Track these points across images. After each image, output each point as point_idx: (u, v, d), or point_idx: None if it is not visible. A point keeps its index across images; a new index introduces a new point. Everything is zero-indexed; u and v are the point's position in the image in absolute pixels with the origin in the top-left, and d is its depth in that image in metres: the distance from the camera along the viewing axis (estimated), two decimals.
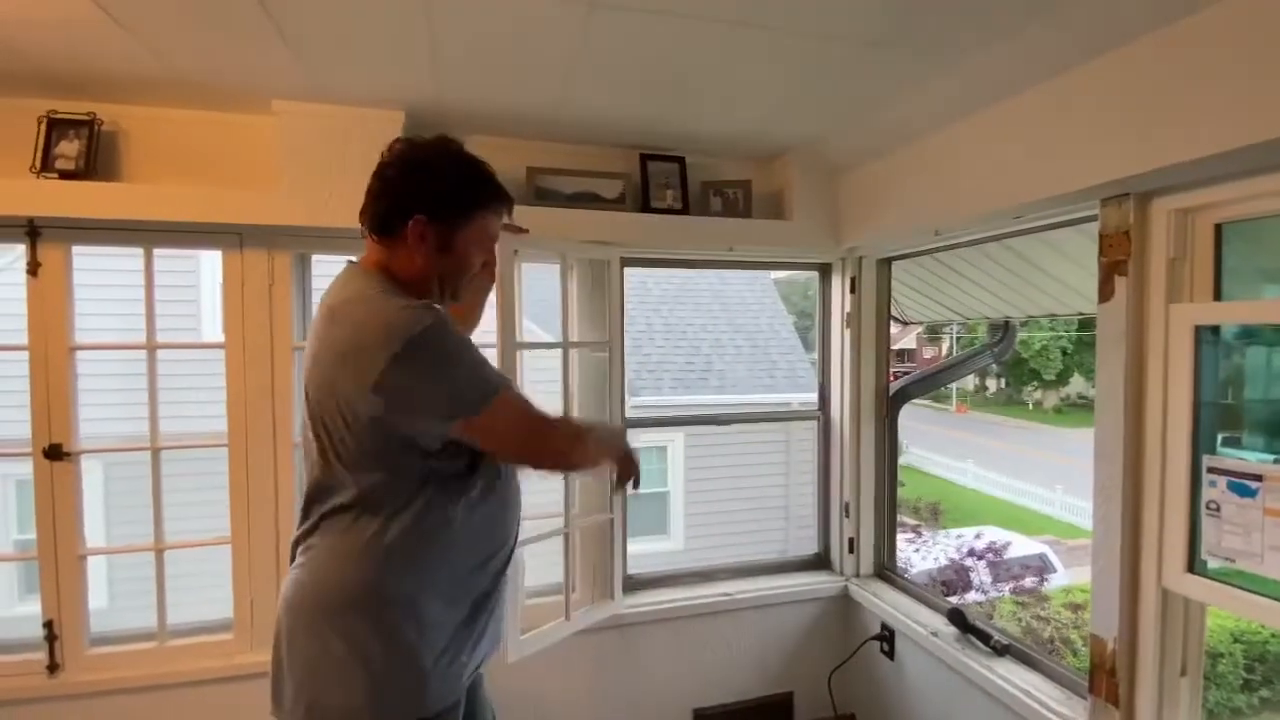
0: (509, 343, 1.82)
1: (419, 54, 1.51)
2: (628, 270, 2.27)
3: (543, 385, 2.28)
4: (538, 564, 2.18)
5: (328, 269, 2.39)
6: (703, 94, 1.74)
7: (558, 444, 1.16)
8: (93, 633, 1.89)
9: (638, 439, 6.31)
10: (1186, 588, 1.39)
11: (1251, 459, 1.32)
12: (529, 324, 4.56)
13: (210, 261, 5.01)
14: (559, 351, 2.05)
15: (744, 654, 2.38)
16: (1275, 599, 1.26)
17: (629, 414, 2.30)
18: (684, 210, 2.19)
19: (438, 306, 1.07)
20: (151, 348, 1.90)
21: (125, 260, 2.31)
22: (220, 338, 1.91)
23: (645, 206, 2.15)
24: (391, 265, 1.14)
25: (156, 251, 1.88)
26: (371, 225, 1.14)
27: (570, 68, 1.58)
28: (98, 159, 1.75)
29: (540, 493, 2.28)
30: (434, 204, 1.11)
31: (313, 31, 1.41)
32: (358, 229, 1.85)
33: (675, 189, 2.20)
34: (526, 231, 1.70)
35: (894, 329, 2.66)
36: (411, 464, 1.05)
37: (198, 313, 5.19)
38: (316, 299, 2.10)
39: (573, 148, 2.14)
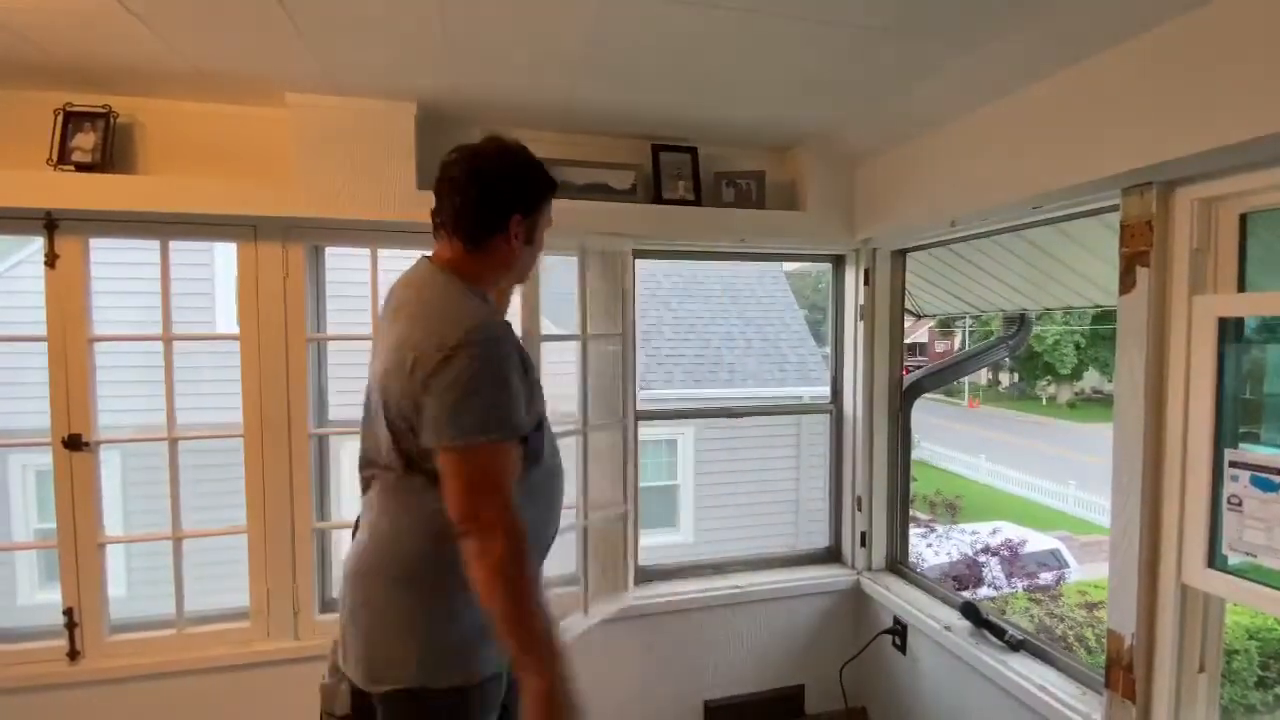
0: (534, 336, 1.82)
1: (431, 46, 1.51)
2: (638, 263, 2.27)
3: (557, 378, 2.28)
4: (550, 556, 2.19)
5: (341, 261, 2.42)
6: (715, 84, 1.73)
7: (502, 531, 1.02)
8: (112, 620, 1.93)
9: (647, 432, 6.34)
10: (1207, 583, 1.37)
11: (1276, 453, 1.30)
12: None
13: (225, 253, 5.05)
14: (573, 345, 2.05)
15: (755, 647, 2.38)
16: None
17: (639, 407, 2.30)
18: (696, 201, 2.17)
19: (499, 321, 1.13)
20: (168, 339, 1.92)
21: (142, 252, 2.34)
22: (235, 329, 1.92)
23: (657, 198, 2.14)
24: (469, 263, 1.18)
25: (172, 244, 1.90)
26: (466, 233, 1.16)
27: (582, 58, 1.57)
28: (114, 151, 1.76)
29: None
30: (524, 200, 1.18)
31: (326, 24, 1.41)
32: (370, 220, 1.88)
33: (687, 180, 2.18)
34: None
35: (907, 322, 2.64)
36: None
37: (212, 304, 5.24)
38: (330, 290, 2.14)
39: (584, 138, 2.13)
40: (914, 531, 7.51)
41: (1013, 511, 10.74)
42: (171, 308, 1.92)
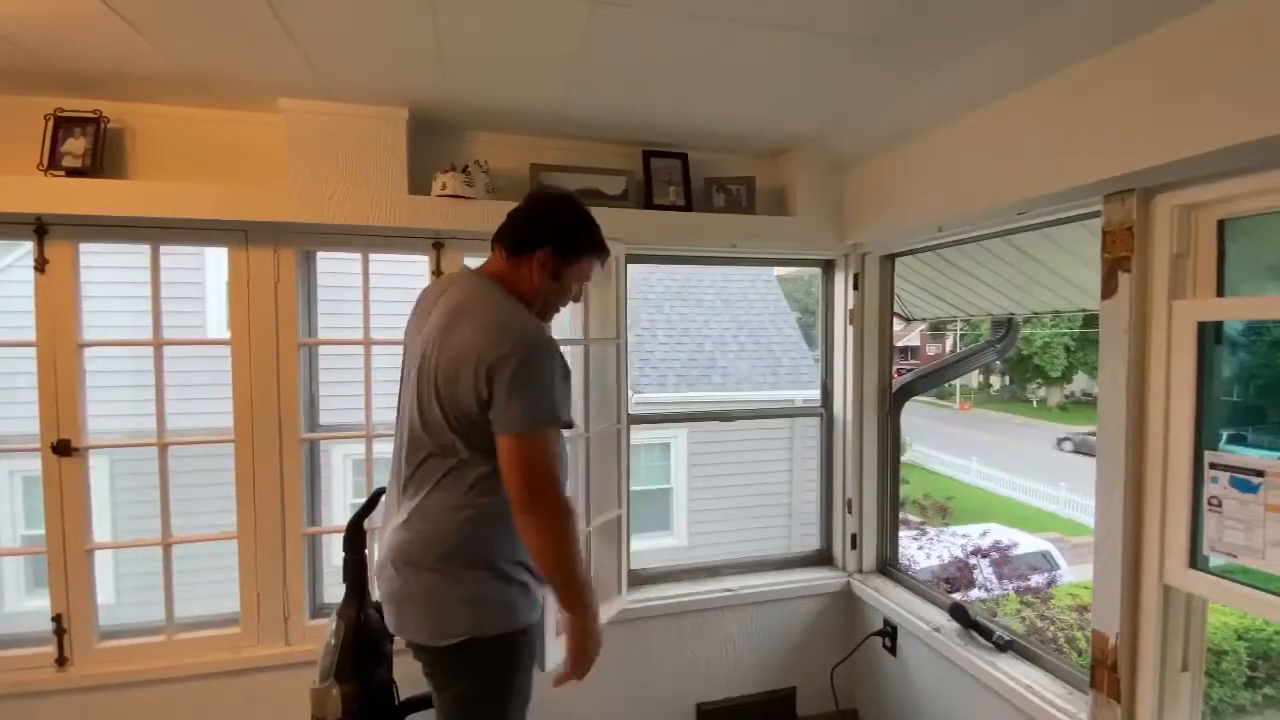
0: None
1: (424, 52, 1.52)
2: (630, 267, 2.28)
3: None
4: None
5: (333, 265, 2.42)
6: (706, 91, 1.75)
7: (557, 510, 1.25)
8: (101, 627, 1.92)
9: (641, 436, 6.34)
10: (1188, 583, 1.40)
11: (1254, 455, 1.32)
12: None
13: (216, 258, 5.03)
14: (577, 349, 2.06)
15: (747, 649, 2.39)
16: (1276, 594, 1.26)
17: (632, 410, 2.31)
18: (687, 207, 2.19)
19: (545, 326, 1.38)
20: (158, 344, 1.91)
21: (133, 256, 2.33)
22: (226, 334, 1.92)
23: (648, 203, 2.16)
24: (510, 277, 1.39)
25: (163, 249, 1.90)
26: (509, 243, 1.39)
27: (573, 65, 1.58)
28: (104, 156, 1.76)
29: None
30: (559, 241, 1.38)
31: (319, 30, 1.42)
32: (361, 225, 1.88)
33: (678, 185, 2.20)
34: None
35: (897, 326, 2.67)
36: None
37: (204, 309, 5.22)
38: (322, 295, 2.14)
39: (576, 144, 2.15)
40: (906, 534, 7.55)
41: (1004, 513, 10.80)
42: (162, 312, 1.92)
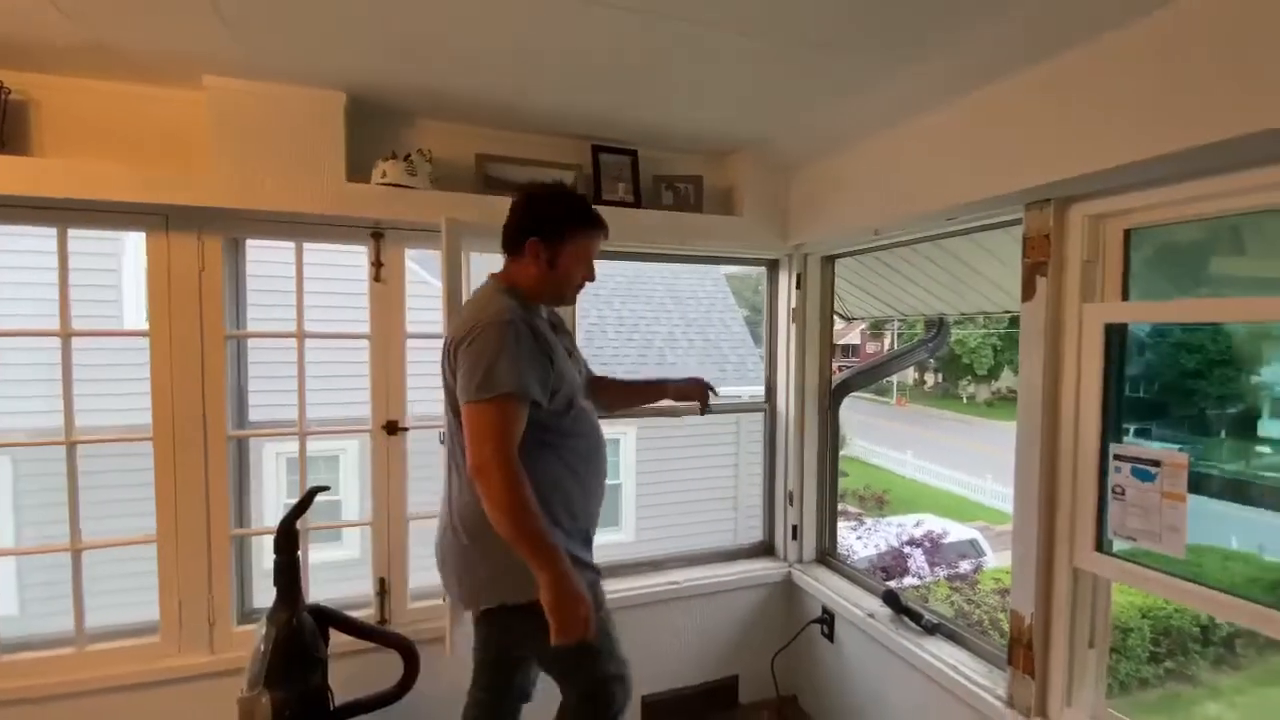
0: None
1: (363, 32, 1.46)
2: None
3: None
4: None
5: (265, 254, 2.31)
6: (654, 90, 1.75)
7: (496, 475, 1.29)
8: (2, 639, 1.78)
9: None
10: (1095, 566, 1.51)
11: (1153, 447, 1.44)
12: None
13: (136, 244, 4.71)
14: None
15: (691, 641, 2.43)
16: (1170, 574, 1.38)
17: None
18: (636, 203, 2.20)
19: (516, 305, 1.41)
20: (66, 335, 1.78)
21: (40, 240, 2.15)
22: (145, 325, 1.80)
23: (597, 198, 2.15)
24: (511, 275, 1.51)
25: (74, 232, 1.77)
26: (505, 245, 1.51)
27: (523, 57, 1.56)
28: (5, 131, 1.62)
29: None
30: (543, 228, 1.46)
31: (250, 4, 1.35)
32: (294, 213, 1.81)
33: (627, 182, 2.21)
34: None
35: (838, 325, 2.75)
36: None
37: (120, 298, 4.88)
38: (252, 285, 2.04)
39: (523, 136, 2.12)
40: (846, 525, 7.83)
41: (936, 504, 11.34)
42: (71, 301, 1.79)
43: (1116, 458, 1.45)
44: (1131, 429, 1.94)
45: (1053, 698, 1.58)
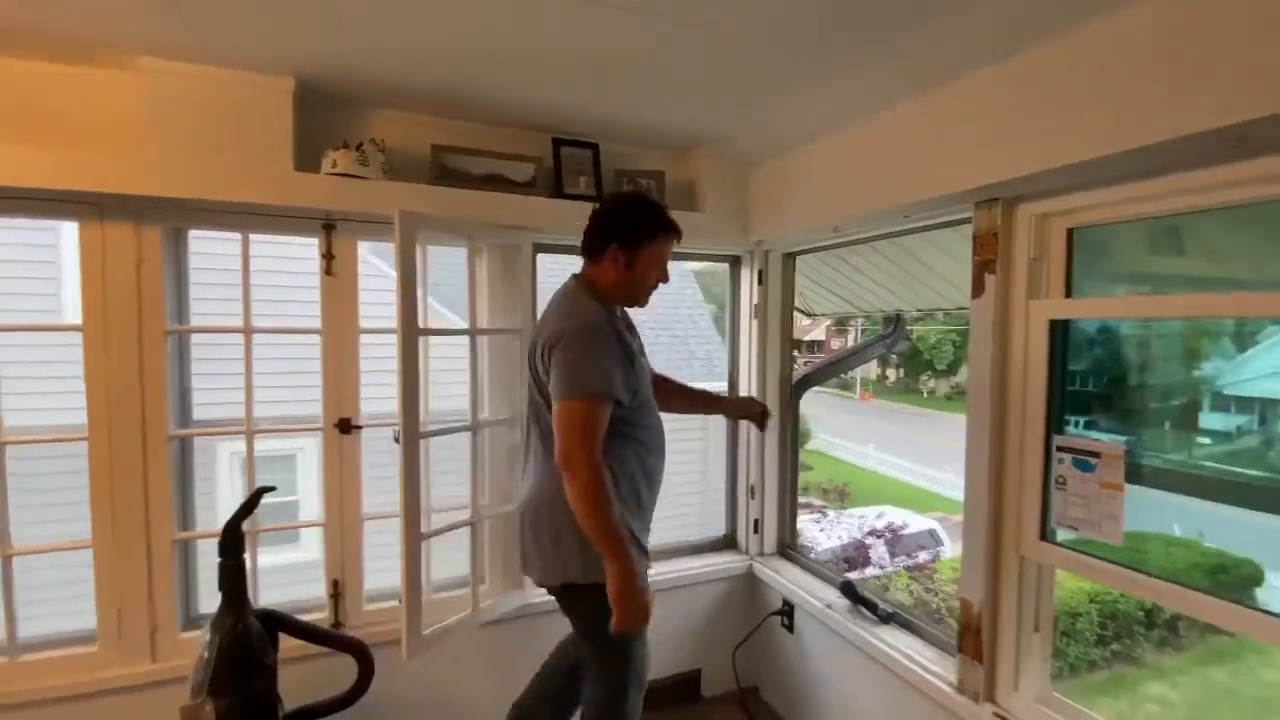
0: (411, 329, 1.75)
1: (313, 17, 1.40)
2: (549, 257, 2.25)
3: (451, 373, 2.22)
4: (447, 556, 2.13)
5: (209, 246, 2.21)
6: (619, 83, 1.73)
7: (582, 470, 1.43)
8: None
9: None
10: (1039, 554, 1.56)
11: (1092, 438, 1.49)
12: (444, 310, 4.40)
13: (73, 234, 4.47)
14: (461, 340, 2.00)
15: (654, 634, 2.42)
16: (1108, 561, 1.43)
17: None
18: (598, 197, 2.17)
19: (602, 310, 1.56)
20: None
21: None
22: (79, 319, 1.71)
23: (558, 192, 2.12)
24: (592, 278, 1.63)
25: (3, 221, 1.67)
26: (586, 251, 1.64)
27: (482, 46, 1.52)
28: None
29: (447, 486, 2.23)
30: (621, 234, 1.58)
31: None
32: (239, 203, 1.74)
33: (589, 175, 2.18)
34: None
35: (805, 321, 2.78)
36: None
37: (59, 291, 4.63)
38: (194, 277, 1.96)
39: (482, 128, 2.08)
40: (809, 517, 7.94)
41: (897, 496, 11.61)
42: None
43: (1059, 449, 1.50)
44: (1082, 421, 2.02)
45: (1001, 682, 1.63)
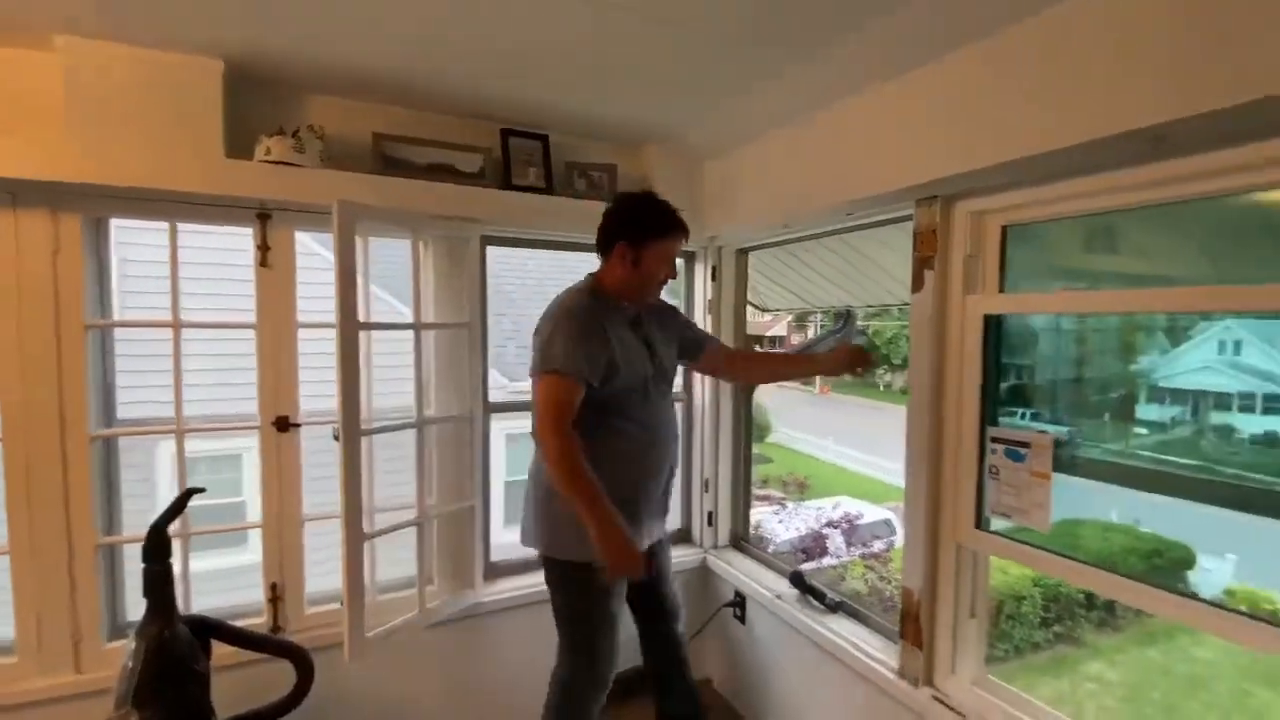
0: (350, 323, 1.70)
1: None
2: (504, 250, 2.21)
3: (398, 369, 2.16)
4: (394, 557, 2.08)
5: (134, 235, 2.11)
6: (567, 72, 1.71)
7: (550, 440, 1.53)
8: None
9: (512, 425, 6.21)
10: (974, 542, 1.61)
11: (1019, 428, 1.55)
12: (393, 301, 4.29)
13: None
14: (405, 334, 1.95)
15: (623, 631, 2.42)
16: (1038, 547, 1.49)
17: (494, 399, 2.25)
18: (548, 190, 2.15)
19: (589, 301, 1.65)
20: None
21: None
22: None
23: (506, 183, 2.09)
24: (600, 275, 1.73)
25: None
26: (597, 249, 1.73)
27: (419, 33, 1.48)
28: None
29: (394, 485, 2.18)
30: (628, 232, 1.66)
31: None
32: (165, 190, 1.66)
33: (538, 167, 2.15)
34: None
35: (765, 317, 2.80)
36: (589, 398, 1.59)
37: None
38: (123, 269, 1.86)
39: (427, 115, 2.02)
40: (769, 509, 8.06)
41: (855, 488, 11.85)
42: None
43: (992, 440, 1.55)
44: (1028, 414, 2.09)
45: (939, 666, 1.68)
